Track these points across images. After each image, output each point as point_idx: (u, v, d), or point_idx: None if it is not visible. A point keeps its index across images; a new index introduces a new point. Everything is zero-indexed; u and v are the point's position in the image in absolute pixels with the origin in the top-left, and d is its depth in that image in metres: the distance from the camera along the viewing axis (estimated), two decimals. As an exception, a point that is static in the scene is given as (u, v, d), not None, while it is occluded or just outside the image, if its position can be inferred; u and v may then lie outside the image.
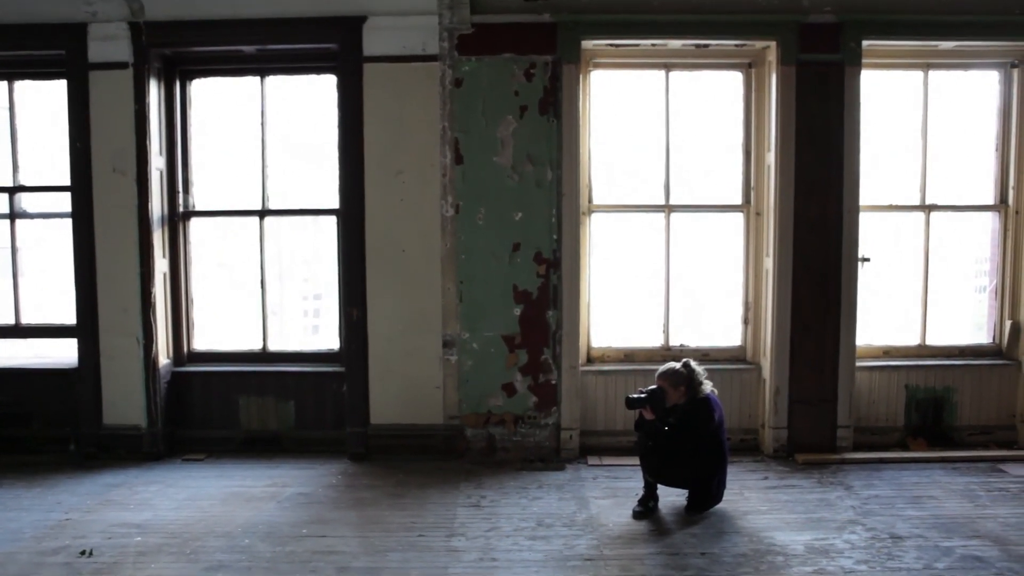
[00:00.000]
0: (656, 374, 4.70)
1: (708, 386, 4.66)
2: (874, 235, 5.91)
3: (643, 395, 4.57)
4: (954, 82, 6.07)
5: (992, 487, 5.03)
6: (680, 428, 4.52)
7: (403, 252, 5.66)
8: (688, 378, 4.62)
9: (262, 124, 5.99)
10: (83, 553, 4.11)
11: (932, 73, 5.92)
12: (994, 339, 6.11)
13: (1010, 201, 5.96)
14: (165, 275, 5.88)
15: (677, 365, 4.67)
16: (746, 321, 5.99)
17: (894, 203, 6.01)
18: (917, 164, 5.96)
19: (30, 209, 6.17)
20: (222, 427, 5.97)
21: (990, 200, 6.05)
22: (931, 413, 5.89)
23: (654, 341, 6.01)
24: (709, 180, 6.08)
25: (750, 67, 5.85)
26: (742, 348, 6.02)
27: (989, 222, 6.11)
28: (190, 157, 6.09)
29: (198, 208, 6.13)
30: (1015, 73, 5.89)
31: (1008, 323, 5.99)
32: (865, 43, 5.52)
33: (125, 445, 5.77)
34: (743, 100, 5.90)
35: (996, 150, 6.01)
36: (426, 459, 5.65)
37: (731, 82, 5.93)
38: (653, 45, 5.70)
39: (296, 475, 5.40)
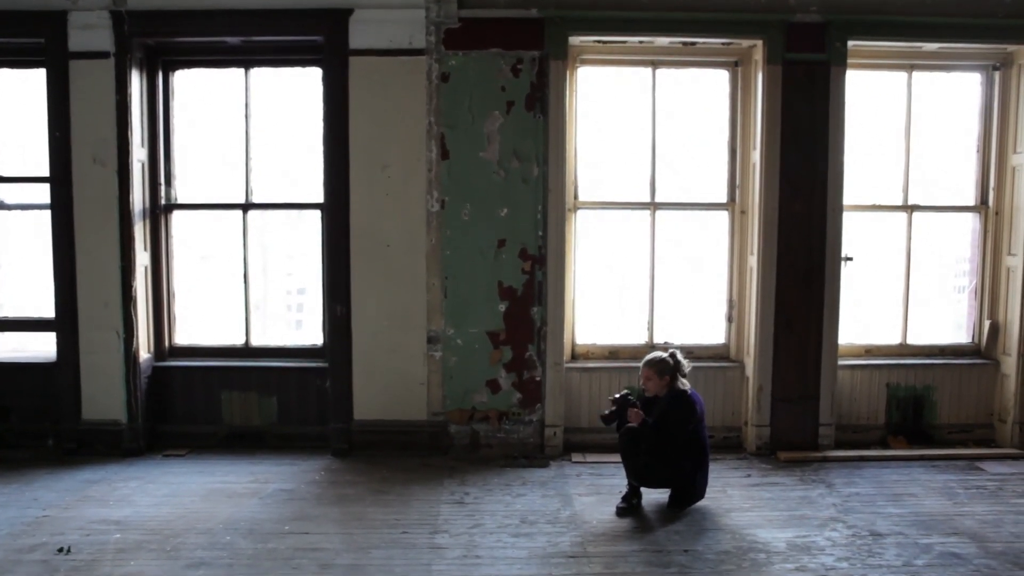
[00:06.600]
0: (643, 361, 4.71)
1: (687, 384, 4.67)
2: (857, 234, 5.95)
3: (613, 408, 4.59)
4: (937, 83, 6.12)
5: (970, 485, 5.10)
6: (663, 423, 4.53)
7: (388, 247, 5.63)
8: (674, 368, 4.65)
9: (246, 117, 5.93)
10: (60, 550, 4.05)
11: (916, 74, 5.97)
12: (973, 338, 6.18)
13: (990, 202, 6.02)
14: (146, 268, 5.80)
15: (664, 354, 4.68)
16: (730, 319, 6.01)
17: (877, 203, 6.05)
18: (900, 164, 6.01)
19: (8, 200, 6.07)
20: (204, 422, 5.91)
21: (971, 201, 6.12)
22: (911, 411, 5.96)
23: (638, 338, 6.02)
24: (695, 178, 6.10)
25: (736, 65, 5.86)
26: (726, 346, 6.04)
27: (970, 223, 6.17)
28: (172, 149, 6.00)
29: (180, 201, 6.06)
30: (996, 75, 5.95)
31: (987, 323, 6.06)
32: (850, 43, 5.55)
33: (105, 440, 5.69)
34: (729, 98, 5.91)
35: (977, 151, 6.08)
36: (410, 455, 5.63)
37: (717, 80, 5.94)
38: (640, 42, 5.70)
39: (279, 471, 5.36)
